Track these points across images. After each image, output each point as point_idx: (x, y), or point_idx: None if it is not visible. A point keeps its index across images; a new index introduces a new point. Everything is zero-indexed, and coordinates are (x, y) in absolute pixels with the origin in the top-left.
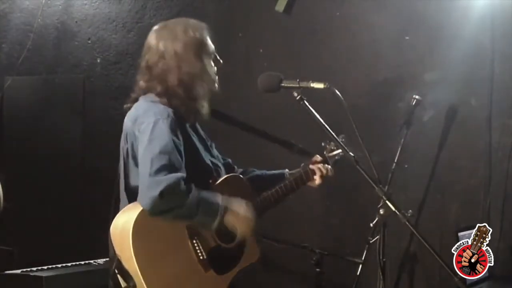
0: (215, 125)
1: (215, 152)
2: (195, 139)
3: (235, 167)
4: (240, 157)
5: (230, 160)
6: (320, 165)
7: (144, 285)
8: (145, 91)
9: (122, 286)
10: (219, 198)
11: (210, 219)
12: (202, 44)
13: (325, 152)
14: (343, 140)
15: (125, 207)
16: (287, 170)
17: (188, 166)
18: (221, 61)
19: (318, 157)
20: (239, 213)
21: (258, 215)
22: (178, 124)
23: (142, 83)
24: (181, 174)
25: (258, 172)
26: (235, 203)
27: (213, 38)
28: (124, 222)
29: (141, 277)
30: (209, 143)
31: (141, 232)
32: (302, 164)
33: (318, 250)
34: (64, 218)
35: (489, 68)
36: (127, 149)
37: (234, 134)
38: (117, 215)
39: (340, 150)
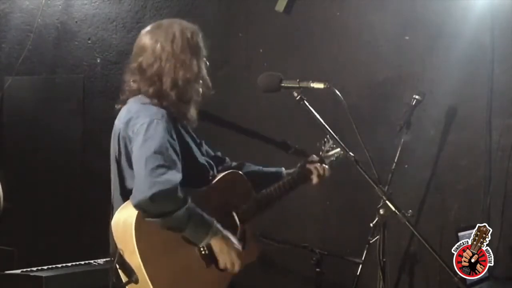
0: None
1: (204, 148)
2: (188, 139)
3: (226, 158)
4: (234, 156)
5: (219, 153)
6: (317, 165)
7: (147, 278)
8: (135, 93)
9: (124, 281)
10: (213, 220)
11: (198, 236)
12: (198, 47)
13: (321, 153)
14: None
15: (125, 203)
16: (283, 168)
17: (184, 167)
18: (208, 63)
19: (314, 157)
20: (228, 240)
21: (257, 213)
22: (172, 125)
23: (132, 84)
24: (177, 179)
25: (254, 167)
26: (227, 232)
27: (213, 38)
28: (126, 216)
29: (144, 271)
30: (198, 141)
31: (143, 226)
32: (299, 164)
33: (318, 250)
34: (64, 218)
35: (489, 68)
36: (119, 151)
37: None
38: (117, 211)
39: (336, 150)
